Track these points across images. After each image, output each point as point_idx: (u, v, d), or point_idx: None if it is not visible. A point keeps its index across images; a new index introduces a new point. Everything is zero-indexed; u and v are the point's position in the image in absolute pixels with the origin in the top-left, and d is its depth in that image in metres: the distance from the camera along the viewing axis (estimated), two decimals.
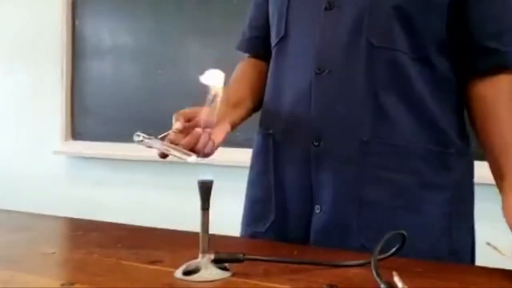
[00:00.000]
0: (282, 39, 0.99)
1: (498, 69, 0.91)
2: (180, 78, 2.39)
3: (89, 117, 2.68)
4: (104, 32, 2.65)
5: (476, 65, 0.92)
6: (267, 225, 0.98)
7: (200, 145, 0.86)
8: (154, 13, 2.50)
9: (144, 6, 2.52)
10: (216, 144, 0.89)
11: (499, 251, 0.78)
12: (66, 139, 2.71)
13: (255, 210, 1.03)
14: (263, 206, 1.00)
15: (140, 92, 2.52)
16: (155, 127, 0.89)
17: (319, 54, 0.92)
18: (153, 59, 2.50)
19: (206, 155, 0.88)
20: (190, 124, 0.87)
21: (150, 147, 0.85)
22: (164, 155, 0.87)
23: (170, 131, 0.87)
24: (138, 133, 0.83)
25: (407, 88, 0.90)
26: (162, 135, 0.86)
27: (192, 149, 0.85)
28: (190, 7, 2.41)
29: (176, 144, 0.85)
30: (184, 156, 0.84)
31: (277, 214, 0.97)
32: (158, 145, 0.85)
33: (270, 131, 1.00)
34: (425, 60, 0.91)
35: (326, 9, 0.93)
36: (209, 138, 0.87)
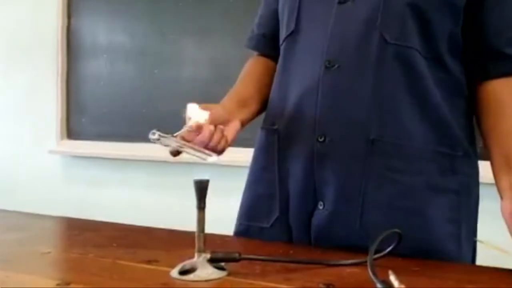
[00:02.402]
0: (292, 34, 0.98)
1: None
2: (176, 78, 2.38)
3: (85, 116, 2.67)
4: (99, 31, 2.64)
5: (490, 70, 0.92)
6: (272, 220, 0.97)
7: (213, 143, 0.86)
8: (150, 12, 2.49)
9: (140, 5, 2.51)
10: (229, 143, 0.90)
11: (490, 246, 0.78)
12: (61, 139, 2.70)
13: (258, 205, 1.01)
14: (267, 201, 0.99)
15: (136, 91, 2.52)
16: (151, 126, 0.88)
17: (330, 48, 0.91)
18: (149, 58, 2.49)
19: (219, 152, 0.88)
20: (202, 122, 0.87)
21: (166, 145, 0.84)
22: (176, 154, 0.86)
23: (183, 129, 0.86)
24: (154, 131, 0.81)
25: (419, 86, 0.89)
26: (176, 133, 0.85)
27: (205, 147, 0.86)
28: (186, 6, 2.40)
29: (189, 142, 0.85)
30: (204, 156, 0.84)
31: (281, 210, 0.96)
32: (175, 144, 0.84)
33: (275, 126, 0.99)
34: (438, 60, 0.90)
35: (339, 3, 0.92)
36: (222, 136, 0.87)
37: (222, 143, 0.88)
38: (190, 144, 0.85)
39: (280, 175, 0.97)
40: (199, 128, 0.86)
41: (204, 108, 0.89)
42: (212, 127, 0.86)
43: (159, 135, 0.81)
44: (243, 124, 1.00)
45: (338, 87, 0.90)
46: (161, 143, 0.83)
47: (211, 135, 0.86)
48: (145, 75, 2.49)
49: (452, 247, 0.90)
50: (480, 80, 0.93)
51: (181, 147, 0.84)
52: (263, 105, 1.07)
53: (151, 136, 0.81)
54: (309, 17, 0.97)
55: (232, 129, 0.93)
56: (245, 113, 1.02)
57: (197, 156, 0.85)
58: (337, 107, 0.90)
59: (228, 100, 1.01)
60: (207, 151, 0.85)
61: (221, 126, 0.88)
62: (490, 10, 0.91)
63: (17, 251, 0.87)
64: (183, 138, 0.85)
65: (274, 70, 1.05)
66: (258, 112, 1.07)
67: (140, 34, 2.52)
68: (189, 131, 0.86)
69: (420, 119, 0.90)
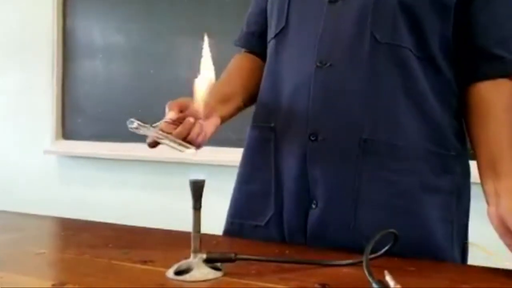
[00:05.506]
0: (282, 31, 0.98)
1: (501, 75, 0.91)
2: (172, 78, 2.38)
3: (80, 116, 2.66)
4: (95, 31, 2.63)
5: (479, 70, 0.92)
6: (267, 218, 0.97)
7: (192, 136, 0.86)
8: (146, 12, 2.49)
9: (135, 5, 2.51)
10: (208, 137, 0.89)
11: (482, 249, 0.79)
12: (57, 139, 2.70)
13: (252, 203, 1.01)
14: (262, 199, 0.98)
15: (131, 91, 2.51)
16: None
17: (321, 47, 0.91)
18: (144, 58, 2.49)
19: (197, 146, 0.88)
20: (182, 114, 0.87)
21: (144, 135, 0.84)
22: (153, 145, 0.86)
23: (163, 121, 0.86)
24: (132, 119, 0.81)
25: (412, 86, 0.89)
26: (155, 124, 0.85)
27: (184, 139, 0.85)
28: (182, 6, 2.40)
29: (169, 134, 0.85)
30: (181, 148, 0.84)
31: (276, 208, 0.96)
32: (153, 134, 0.84)
33: (272, 124, 0.99)
34: (430, 60, 0.91)
35: (330, 2, 0.92)
36: (201, 129, 0.87)
37: (201, 137, 0.87)
38: (170, 137, 0.84)
39: (276, 174, 0.97)
40: (178, 120, 0.86)
41: (185, 102, 0.88)
42: (192, 120, 0.85)
43: (138, 124, 0.81)
44: (223, 120, 0.99)
45: (330, 86, 0.90)
46: (138, 132, 0.82)
47: (190, 128, 0.85)
48: (141, 75, 2.49)
49: (444, 246, 0.91)
50: (469, 81, 0.93)
51: (159, 138, 0.84)
52: (248, 101, 1.07)
53: (129, 125, 0.81)
54: (299, 16, 0.97)
55: (211, 124, 0.92)
56: (227, 109, 1.01)
57: (175, 148, 0.84)
58: (329, 106, 0.90)
59: (210, 96, 1.00)
60: (185, 143, 0.85)
61: (200, 121, 0.87)
62: (479, 10, 0.91)
63: (12, 251, 0.87)
64: (162, 130, 0.85)
65: (261, 67, 1.05)
66: (241, 108, 1.06)
67: (136, 34, 2.52)
68: (167, 123, 0.86)
69: (413, 118, 0.90)
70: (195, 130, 0.86)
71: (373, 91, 0.89)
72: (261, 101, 1.04)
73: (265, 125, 1.00)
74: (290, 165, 0.94)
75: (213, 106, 0.95)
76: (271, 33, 1.02)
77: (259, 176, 1.00)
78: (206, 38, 0.85)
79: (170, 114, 0.86)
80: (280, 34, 0.99)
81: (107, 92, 2.58)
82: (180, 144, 0.84)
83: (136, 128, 0.81)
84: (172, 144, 0.84)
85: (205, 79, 0.85)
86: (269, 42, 1.03)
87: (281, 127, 0.97)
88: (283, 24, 0.98)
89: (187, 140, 0.86)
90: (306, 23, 0.95)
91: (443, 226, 0.91)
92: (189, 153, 0.83)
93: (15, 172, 2.82)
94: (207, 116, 0.91)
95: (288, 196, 0.95)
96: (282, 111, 0.97)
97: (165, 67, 2.43)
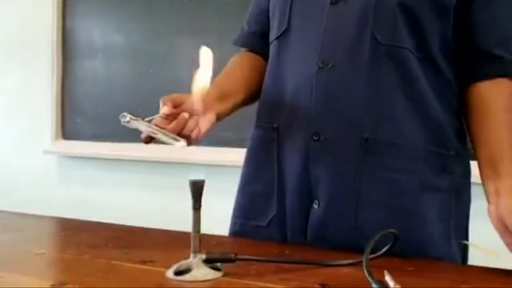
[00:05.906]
0: (285, 32, 0.99)
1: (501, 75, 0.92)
2: (172, 78, 2.38)
3: (80, 116, 2.66)
4: (95, 31, 2.63)
5: (479, 70, 0.92)
6: (269, 219, 0.98)
7: (186, 131, 0.86)
8: (146, 12, 2.49)
9: (135, 5, 2.51)
10: (202, 132, 0.89)
11: (482, 250, 0.79)
12: (56, 139, 2.70)
13: (255, 204, 1.01)
14: (265, 200, 0.99)
15: (131, 91, 2.51)
16: None
17: (323, 48, 0.92)
18: (144, 58, 2.49)
19: (192, 142, 0.88)
20: (177, 110, 0.87)
21: (136, 128, 0.84)
22: (148, 140, 0.87)
23: (156, 115, 0.86)
24: (125, 113, 0.81)
25: (412, 86, 0.90)
26: (148, 118, 0.85)
27: (178, 135, 0.86)
28: (182, 6, 2.40)
29: (162, 129, 0.85)
30: (172, 141, 0.84)
31: (278, 208, 0.97)
32: (145, 128, 0.84)
33: (275, 125, 0.99)
34: (430, 61, 0.91)
35: (332, 3, 0.93)
36: (196, 125, 0.87)
37: (195, 132, 0.87)
38: (161, 130, 0.85)
39: (279, 174, 0.97)
40: (172, 116, 0.86)
41: (179, 98, 0.89)
42: (186, 115, 0.86)
43: (130, 117, 0.81)
44: (220, 117, 0.98)
45: (331, 86, 0.91)
46: (130, 126, 0.83)
47: (185, 123, 0.86)
48: (141, 75, 2.49)
49: (442, 246, 0.91)
50: (469, 81, 0.94)
51: (153, 133, 0.84)
52: (248, 99, 1.07)
53: (121, 119, 0.81)
54: (301, 17, 0.97)
55: (206, 121, 0.92)
56: (224, 106, 1.00)
57: (166, 142, 0.85)
58: (331, 106, 0.91)
59: (207, 92, 1.00)
60: (176, 137, 0.85)
61: (195, 117, 0.87)
62: (479, 11, 0.91)
63: (12, 251, 0.87)
64: (156, 124, 0.86)
65: (262, 66, 1.05)
66: (239, 106, 1.06)
67: (136, 34, 2.52)
68: (161, 118, 0.86)
69: (413, 118, 0.90)
70: (190, 125, 0.86)
71: (374, 91, 0.89)
72: (264, 101, 1.04)
73: (268, 125, 1.01)
74: (292, 165, 0.95)
75: (208, 103, 0.95)
76: (273, 34, 1.03)
77: (262, 176, 1.00)
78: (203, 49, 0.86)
79: (164, 109, 0.87)
80: (282, 36, 0.99)
81: (107, 92, 2.58)
82: (170, 137, 0.85)
83: (128, 121, 0.81)
84: (164, 138, 0.85)
85: (202, 78, 0.85)
86: (271, 43, 1.03)
87: (284, 127, 0.97)
88: (285, 26, 0.98)
89: (181, 135, 0.86)
90: (308, 24, 0.95)
91: (440, 225, 0.91)
92: (179, 146, 0.84)
93: (15, 172, 2.82)
94: (203, 113, 0.91)
95: (290, 196, 0.95)
96: (285, 112, 0.97)
97: (165, 67, 2.42)
